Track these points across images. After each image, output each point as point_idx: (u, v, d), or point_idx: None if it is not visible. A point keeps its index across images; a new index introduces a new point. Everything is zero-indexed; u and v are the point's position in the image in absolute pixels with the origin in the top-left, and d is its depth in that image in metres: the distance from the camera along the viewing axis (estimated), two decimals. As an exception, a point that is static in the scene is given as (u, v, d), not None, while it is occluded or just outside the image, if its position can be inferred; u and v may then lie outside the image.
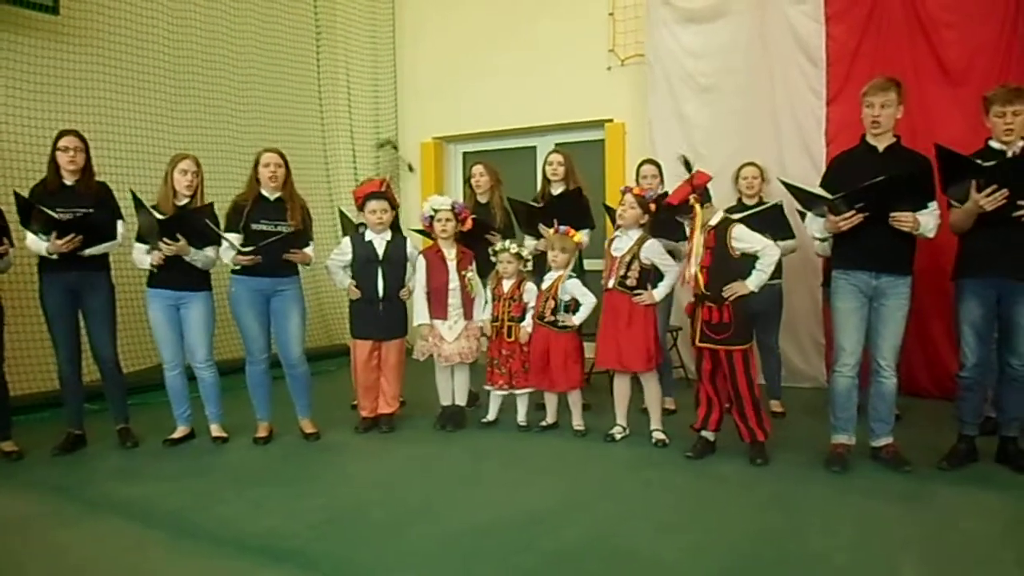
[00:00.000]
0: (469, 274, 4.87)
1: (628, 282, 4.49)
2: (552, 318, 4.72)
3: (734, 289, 4.05)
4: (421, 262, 4.93)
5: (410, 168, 8.38)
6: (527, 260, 5.03)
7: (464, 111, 7.93)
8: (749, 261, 4.11)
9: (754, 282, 4.08)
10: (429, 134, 8.30)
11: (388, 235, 4.88)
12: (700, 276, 4.10)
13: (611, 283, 4.53)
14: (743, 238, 4.10)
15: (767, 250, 4.10)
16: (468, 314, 4.90)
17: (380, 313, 4.83)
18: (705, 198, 4.15)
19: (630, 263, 4.49)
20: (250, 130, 7.11)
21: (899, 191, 3.71)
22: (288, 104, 7.69)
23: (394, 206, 4.99)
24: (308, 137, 7.88)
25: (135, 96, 6.30)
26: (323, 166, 8.07)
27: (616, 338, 4.52)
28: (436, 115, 8.18)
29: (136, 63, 6.32)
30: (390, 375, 4.95)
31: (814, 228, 4.07)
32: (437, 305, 4.87)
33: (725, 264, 4.10)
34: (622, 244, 4.55)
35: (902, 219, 3.75)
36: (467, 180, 5.71)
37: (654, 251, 4.50)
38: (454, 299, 4.86)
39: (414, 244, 5.08)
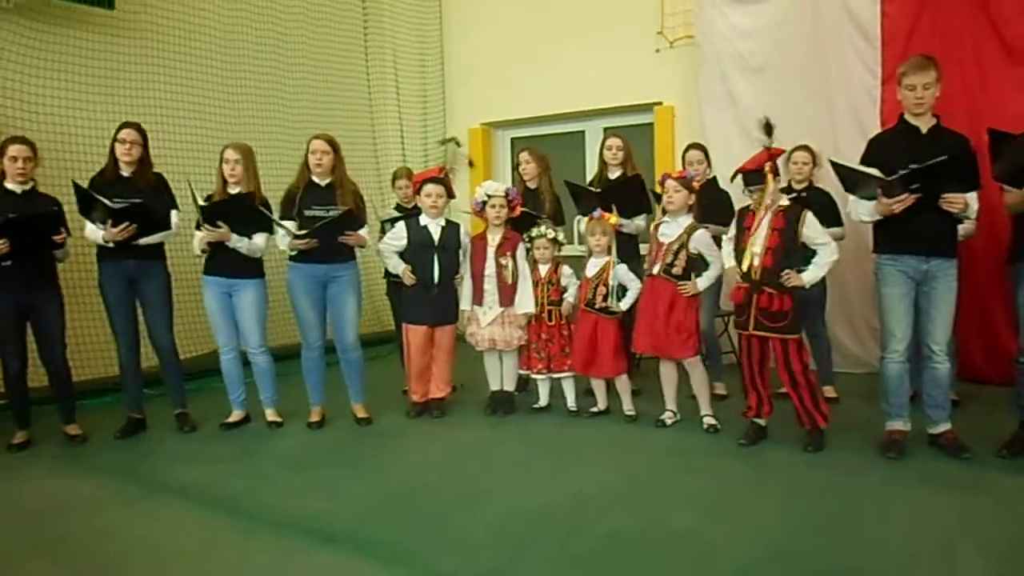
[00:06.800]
0: (506, 260, 4.85)
1: (674, 270, 4.46)
2: (604, 304, 4.70)
3: (790, 277, 3.98)
4: (468, 247, 4.97)
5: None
6: (562, 244, 5.03)
7: (512, 97, 7.90)
8: (809, 251, 4.05)
9: (809, 277, 4.00)
10: (477, 120, 8.29)
11: (443, 221, 4.89)
12: (761, 259, 4.01)
13: (656, 269, 4.50)
14: (814, 228, 4.02)
15: (829, 248, 4.03)
16: (505, 301, 4.86)
17: (434, 298, 4.85)
18: (775, 173, 4.08)
19: (677, 251, 4.45)
20: (301, 118, 7.17)
21: (952, 172, 3.61)
22: (337, 92, 7.77)
23: (451, 195, 5.02)
24: (357, 124, 7.95)
25: (189, 87, 6.44)
26: (372, 153, 8.14)
27: (655, 324, 4.48)
28: (484, 101, 8.16)
29: (189, 55, 6.45)
30: (441, 360, 4.99)
31: (861, 211, 3.94)
32: (476, 290, 4.92)
33: (791, 249, 4.02)
34: (670, 231, 4.51)
35: (954, 200, 3.65)
36: (515, 167, 5.71)
37: (703, 242, 4.47)
38: (489, 285, 4.87)
39: (467, 230, 5.10)
